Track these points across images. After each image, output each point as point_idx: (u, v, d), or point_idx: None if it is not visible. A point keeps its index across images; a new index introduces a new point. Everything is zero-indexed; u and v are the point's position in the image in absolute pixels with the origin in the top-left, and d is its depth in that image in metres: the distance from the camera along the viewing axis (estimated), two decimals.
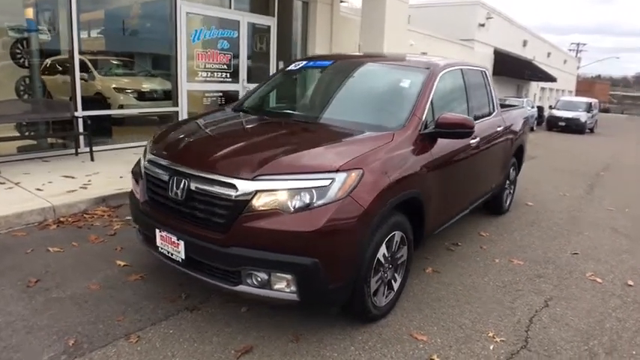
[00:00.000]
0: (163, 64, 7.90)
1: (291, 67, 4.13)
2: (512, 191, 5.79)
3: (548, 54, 34.58)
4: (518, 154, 5.63)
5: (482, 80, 4.62)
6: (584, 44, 55.83)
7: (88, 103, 6.58)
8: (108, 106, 7.26)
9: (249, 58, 9.02)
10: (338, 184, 2.42)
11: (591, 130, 23.20)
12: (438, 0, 22.73)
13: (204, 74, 8.16)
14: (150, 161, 2.90)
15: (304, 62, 4.11)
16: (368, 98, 3.50)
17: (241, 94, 8.96)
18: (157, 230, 2.71)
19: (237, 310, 2.97)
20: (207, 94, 8.36)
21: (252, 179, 2.42)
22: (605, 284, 3.84)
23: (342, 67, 3.94)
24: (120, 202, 4.83)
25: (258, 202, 2.40)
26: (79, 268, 3.40)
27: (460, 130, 3.16)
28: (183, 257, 2.60)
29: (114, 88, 7.55)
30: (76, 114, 6.35)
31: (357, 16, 12.03)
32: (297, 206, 2.38)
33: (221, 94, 8.60)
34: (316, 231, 2.34)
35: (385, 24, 9.89)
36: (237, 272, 2.48)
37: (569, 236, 5.03)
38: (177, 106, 7.88)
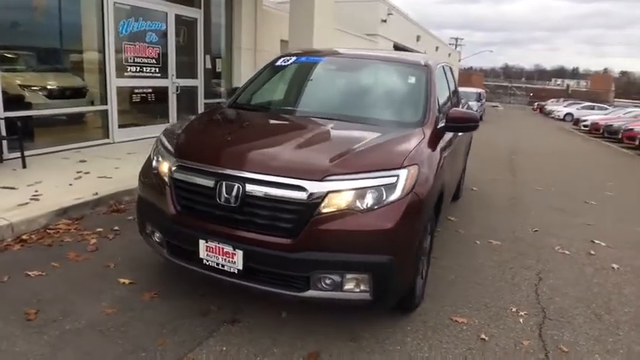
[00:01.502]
0: (89, 59, 7.08)
1: (280, 62, 3.99)
2: (464, 177, 6.26)
3: (437, 48, 37.50)
4: (471, 140, 6.11)
5: (451, 74, 4.92)
6: (462, 39, 61.15)
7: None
8: (28, 106, 6.31)
9: (176, 52, 8.46)
10: (403, 180, 2.44)
11: (480, 119, 25.72)
12: None
13: (134, 69, 7.50)
14: (181, 167, 2.61)
15: (293, 57, 4.00)
16: (380, 95, 3.54)
17: (171, 90, 8.42)
18: (202, 241, 2.47)
19: (277, 316, 2.84)
20: (136, 91, 7.69)
21: (322, 180, 2.33)
22: (573, 255, 4.35)
23: (342, 63, 3.91)
24: (82, 213, 4.29)
25: (329, 203, 2.32)
26: (77, 291, 2.97)
27: (469, 124, 3.34)
28: (240, 268, 2.41)
29: (22, 85, 6.55)
30: None
31: (280, 11, 11.94)
32: (368, 205, 2.35)
33: (150, 90, 7.98)
34: (391, 228, 2.34)
35: (314, 20, 9.96)
36: (305, 277, 2.38)
37: (522, 216, 5.59)
38: (105, 104, 7.13)
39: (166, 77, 8.27)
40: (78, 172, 5.25)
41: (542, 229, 5.05)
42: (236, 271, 2.43)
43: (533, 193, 6.91)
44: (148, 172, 2.91)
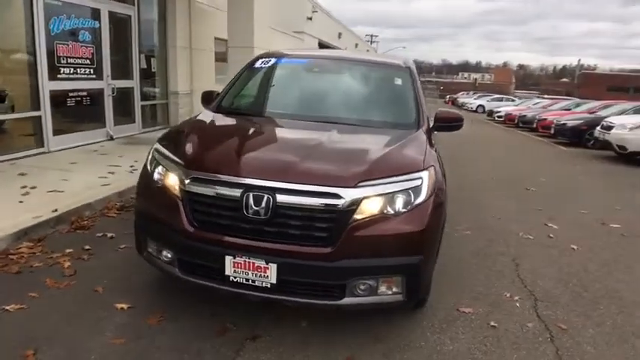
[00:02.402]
0: (17, 59, 6.35)
1: (260, 64, 3.87)
2: None
3: (356, 45, 38.51)
4: None
5: None
6: (377, 36, 63.29)
7: None
8: None
9: (111, 51, 7.88)
10: (425, 181, 2.50)
11: None
12: None
13: (68, 71, 6.86)
14: (197, 180, 2.44)
15: (273, 59, 3.90)
16: (373, 97, 3.57)
17: (106, 93, 7.84)
18: (229, 258, 2.34)
19: (298, 327, 2.78)
20: (71, 94, 7.05)
21: (355, 186, 2.32)
22: (536, 240, 4.73)
23: (327, 65, 3.88)
24: (43, 234, 3.87)
25: (364, 209, 2.31)
26: (71, 323, 2.68)
27: (454, 123, 3.49)
28: (274, 282, 2.32)
29: None
30: None
31: (215, 9, 11.56)
32: (399, 208, 2.38)
33: (85, 93, 7.36)
34: (423, 229, 2.40)
35: (254, 21, 9.78)
36: (341, 285, 2.36)
37: (477, 205, 5.95)
38: (38, 109, 6.45)
39: (101, 79, 7.68)
40: (23, 187, 4.71)
41: (503, 217, 5.42)
42: (269, 286, 2.33)
43: (478, 183, 7.37)
44: (149, 186, 2.69)
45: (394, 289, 2.44)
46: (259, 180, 2.33)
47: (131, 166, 6.12)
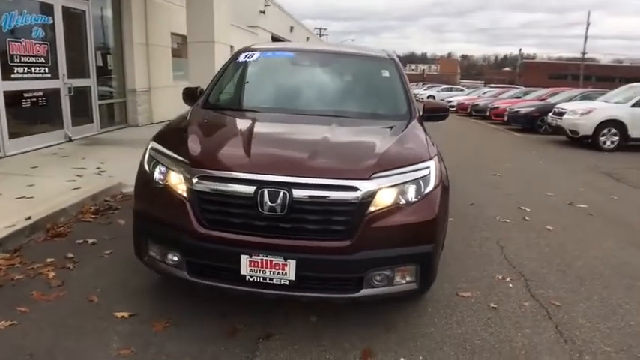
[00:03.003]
0: None
1: (243, 58, 3.78)
2: None
3: (307, 38, 38.50)
4: None
5: None
6: (326, 29, 63.50)
7: None
8: None
9: (66, 48, 7.45)
10: (433, 171, 2.55)
11: None
12: None
13: (22, 70, 6.43)
14: (205, 178, 2.35)
15: (257, 53, 3.82)
16: (364, 89, 3.59)
17: (63, 92, 7.42)
18: (245, 257, 2.28)
19: (308, 322, 2.76)
20: (26, 95, 6.62)
21: (370, 178, 2.32)
22: (514, 223, 4.93)
23: (314, 58, 3.83)
24: (19, 244, 3.62)
25: (379, 201, 2.33)
26: (71, 336, 2.52)
27: (441, 113, 3.57)
28: (292, 278, 2.29)
29: None
30: None
31: (171, 3, 11.18)
32: (412, 198, 2.41)
33: (41, 92, 6.93)
34: (434, 218, 2.44)
35: (214, 16, 9.54)
36: (358, 278, 2.36)
37: (452, 193, 6.08)
38: None
39: (57, 77, 7.26)
40: None
41: (476, 203, 5.60)
42: (287, 282, 2.30)
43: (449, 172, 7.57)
44: (149, 187, 2.57)
45: (408, 278, 2.48)
46: (274, 176, 2.28)
47: (97, 168, 5.85)
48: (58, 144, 7.26)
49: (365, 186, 2.29)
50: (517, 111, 14.63)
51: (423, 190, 2.45)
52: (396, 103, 3.42)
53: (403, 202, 2.39)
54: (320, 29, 60.88)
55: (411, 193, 2.41)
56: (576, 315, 3.02)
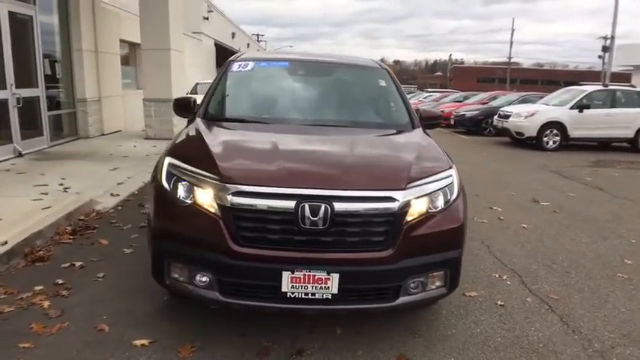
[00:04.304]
0: None
1: (238, 68, 3.70)
2: None
3: (248, 44, 38.20)
4: None
5: None
6: (263, 35, 63.30)
7: None
8: None
9: (12, 57, 6.92)
10: (455, 178, 2.66)
11: None
12: None
13: None
14: (241, 193, 2.28)
15: (251, 63, 3.76)
16: (366, 99, 3.64)
17: (11, 103, 6.89)
18: (286, 273, 2.24)
19: (334, 334, 2.75)
20: None
21: (405, 188, 2.37)
22: (491, 223, 5.19)
23: (310, 68, 3.82)
24: None
25: (415, 210, 2.38)
26: None
27: (437, 121, 3.70)
28: (335, 292, 2.27)
29: None
30: None
31: (119, 9, 10.70)
32: (441, 206, 2.49)
33: None
34: (462, 223, 2.54)
35: (170, 25, 9.27)
36: (396, 287, 2.39)
37: None
38: None
39: (5, 88, 6.72)
40: None
41: None
42: (330, 297, 2.28)
43: None
44: (172, 205, 2.44)
45: (437, 283, 2.55)
46: (315, 189, 2.26)
47: (61, 185, 5.48)
48: (8, 159, 6.71)
49: (402, 196, 2.34)
50: (463, 114, 15.39)
51: (449, 197, 2.54)
52: (398, 112, 3.51)
53: (433, 210, 2.46)
54: (257, 35, 60.74)
55: (440, 201, 2.49)
56: (574, 307, 3.24)
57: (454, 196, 2.57)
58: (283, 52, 3.81)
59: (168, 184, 2.50)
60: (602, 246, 4.52)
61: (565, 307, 3.23)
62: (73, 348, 2.53)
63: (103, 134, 10.04)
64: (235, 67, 3.72)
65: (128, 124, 11.30)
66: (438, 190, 2.50)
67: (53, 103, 8.48)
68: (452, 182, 2.59)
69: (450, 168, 2.68)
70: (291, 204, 2.24)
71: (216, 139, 2.77)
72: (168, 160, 2.61)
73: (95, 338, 2.63)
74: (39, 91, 7.74)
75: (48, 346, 2.53)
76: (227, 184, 2.31)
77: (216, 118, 3.28)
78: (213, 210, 2.32)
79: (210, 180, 2.37)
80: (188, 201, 2.40)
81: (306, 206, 2.23)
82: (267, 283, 2.29)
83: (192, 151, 2.67)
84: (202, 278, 2.40)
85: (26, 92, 7.24)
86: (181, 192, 2.44)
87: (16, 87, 6.96)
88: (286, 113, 3.34)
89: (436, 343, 2.70)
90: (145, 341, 2.59)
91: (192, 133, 2.96)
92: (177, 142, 2.91)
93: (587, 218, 5.48)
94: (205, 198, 2.35)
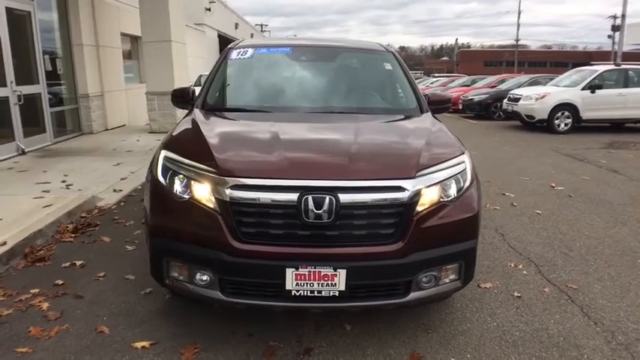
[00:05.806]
0: None
1: (237, 55, 3.55)
2: None
3: (252, 35, 38.01)
4: None
5: None
6: (267, 25, 62.83)
7: None
8: None
9: (12, 53, 6.82)
10: (468, 165, 2.50)
11: None
12: None
13: None
14: (240, 187, 2.15)
15: (249, 49, 3.60)
16: (373, 83, 3.48)
17: (12, 101, 6.79)
18: (291, 270, 2.11)
19: (344, 331, 2.63)
20: None
21: (414, 177, 2.22)
22: (504, 209, 5.03)
23: (313, 53, 3.66)
24: None
25: (425, 200, 2.23)
26: None
27: (446, 105, 3.52)
28: (342, 288, 2.14)
29: None
30: None
31: (118, 2, 10.55)
32: (454, 194, 2.34)
33: None
34: (477, 212, 2.38)
35: (170, 16, 9.10)
36: (407, 282, 2.26)
37: None
38: None
39: (5, 85, 6.63)
40: None
41: None
42: (337, 294, 2.15)
43: None
44: (169, 201, 2.32)
45: (451, 277, 2.40)
46: (319, 180, 2.12)
47: (63, 182, 5.40)
48: (11, 157, 6.64)
49: (411, 185, 2.19)
50: (471, 99, 15.09)
51: (462, 185, 2.39)
52: (406, 96, 3.34)
53: (445, 199, 2.31)
54: (261, 25, 60.34)
55: (453, 190, 2.34)
56: (595, 296, 3.08)
57: (467, 183, 2.41)
58: (284, 39, 3.68)
59: (164, 179, 2.38)
60: (621, 231, 4.33)
61: (585, 297, 3.08)
62: (71, 352, 2.43)
63: (107, 129, 9.96)
64: (234, 54, 3.56)
65: (132, 119, 11.22)
66: (450, 177, 2.34)
67: (55, 100, 8.40)
68: (464, 169, 2.43)
69: (463, 154, 2.51)
70: (293, 196, 2.10)
71: (214, 130, 2.63)
72: (163, 153, 2.48)
73: (95, 341, 2.53)
74: (40, 88, 7.65)
75: (45, 351, 2.44)
76: (225, 177, 2.18)
77: (215, 108, 3.15)
78: (211, 205, 2.19)
79: (207, 173, 2.23)
80: (185, 196, 2.28)
81: (310, 198, 2.09)
82: (271, 280, 2.17)
83: (189, 144, 2.54)
84: (203, 277, 2.28)
85: (27, 89, 7.15)
86: (178, 187, 2.31)
87: (17, 84, 6.86)
88: (288, 101, 3.19)
89: (450, 339, 2.57)
90: (146, 343, 2.49)
91: (189, 124, 2.82)
92: (173, 134, 2.78)
93: (604, 202, 5.28)
94: (203, 192, 2.22)
